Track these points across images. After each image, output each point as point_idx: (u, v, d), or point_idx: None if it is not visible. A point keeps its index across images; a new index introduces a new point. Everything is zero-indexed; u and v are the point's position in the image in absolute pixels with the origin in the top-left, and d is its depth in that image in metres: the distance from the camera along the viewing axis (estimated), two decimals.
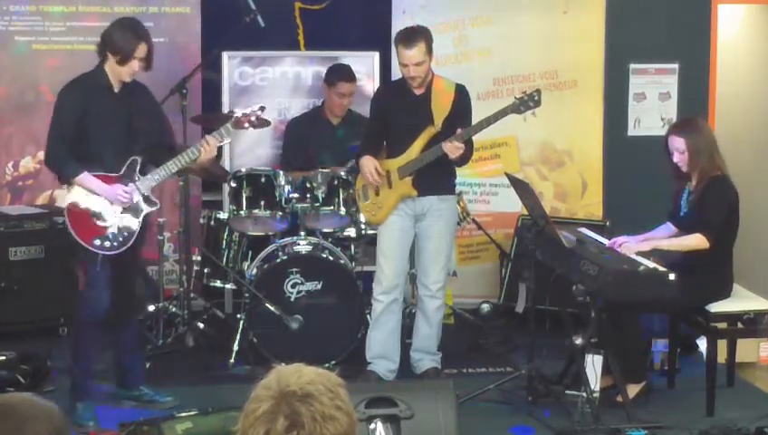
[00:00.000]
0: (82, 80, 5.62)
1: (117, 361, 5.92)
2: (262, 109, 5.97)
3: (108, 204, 5.56)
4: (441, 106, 6.12)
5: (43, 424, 2.16)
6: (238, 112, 5.93)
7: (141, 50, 5.50)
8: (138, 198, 5.64)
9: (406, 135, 6.16)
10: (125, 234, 5.60)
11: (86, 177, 5.52)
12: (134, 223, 5.64)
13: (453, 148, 5.94)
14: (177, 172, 5.88)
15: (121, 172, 5.61)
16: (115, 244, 5.58)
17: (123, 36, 5.50)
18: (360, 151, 6.34)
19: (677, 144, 5.86)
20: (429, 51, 6.08)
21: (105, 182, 5.57)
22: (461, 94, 6.19)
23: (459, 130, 5.99)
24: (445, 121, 6.09)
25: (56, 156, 5.54)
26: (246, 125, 5.93)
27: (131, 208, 5.62)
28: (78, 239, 5.52)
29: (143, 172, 5.66)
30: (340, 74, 7.32)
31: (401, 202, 6.19)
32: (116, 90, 5.59)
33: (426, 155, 6.08)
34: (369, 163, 6.18)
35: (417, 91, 6.15)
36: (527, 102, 6.06)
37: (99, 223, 5.56)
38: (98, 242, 5.54)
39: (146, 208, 5.69)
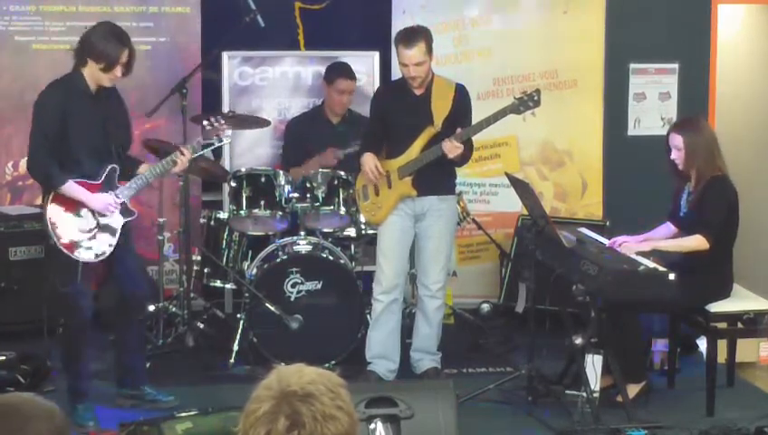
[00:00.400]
0: (61, 82, 5.58)
1: (119, 361, 5.91)
2: (226, 119, 6.06)
3: (89, 212, 5.55)
4: (441, 106, 6.12)
5: (44, 424, 2.16)
6: (206, 124, 5.97)
7: (125, 55, 5.51)
8: (120, 207, 5.65)
9: (406, 135, 6.17)
10: (106, 242, 5.60)
11: (71, 185, 5.49)
12: (114, 232, 5.62)
13: (452, 147, 5.95)
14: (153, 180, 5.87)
15: (101, 180, 5.59)
16: (98, 252, 5.57)
17: (107, 44, 5.48)
18: (361, 150, 6.33)
19: (676, 141, 5.88)
20: (429, 51, 6.08)
21: (88, 190, 5.55)
22: (461, 94, 6.19)
23: (459, 130, 6.00)
24: (445, 121, 6.09)
25: (41, 162, 5.48)
26: (215, 138, 6.03)
27: (111, 218, 5.61)
28: (62, 248, 5.50)
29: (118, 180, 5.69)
30: (340, 71, 7.33)
31: (401, 202, 6.19)
32: (93, 93, 5.57)
33: (425, 155, 6.08)
34: (369, 160, 6.18)
35: (417, 92, 6.15)
36: (526, 102, 6.05)
37: (80, 231, 5.55)
38: (79, 249, 5.53)
39: (125, 217, 5.68)
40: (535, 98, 6.05)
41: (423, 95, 6.15)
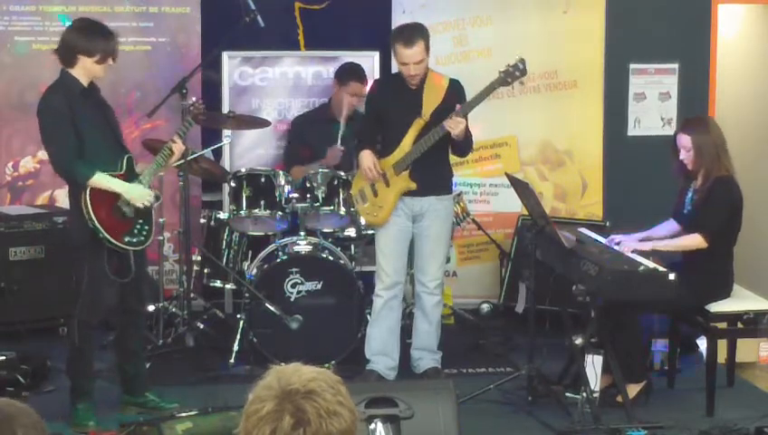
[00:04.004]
0: (58, 86, 5.57)
1: (121, 367, 5.86)
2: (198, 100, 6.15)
3: (125, 201, 5.56)
4: (432, 98, 6.09)
5: (27, 419, 2.19)
6: (186, 102, 6.10)
7: (115, 43, 5.56)
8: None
9: (398, 130, 6.14)
10: (146, 228, 5.63)
11: (103, 176, 5.50)
12: (150, 217, 5.67)
13: (453, 123, 5.92)
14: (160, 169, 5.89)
15: (124, 171, 5.61)
16: (141, 238, 5.61)
17: (98, 37, 5.51)
18: (358, 146, 6.32)
19: (684, 141, 5.89)
20: (427, 48, 6.06)
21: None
22: (454, 88, 6.16)
23: (458, 106, 5.97)
24: (434, 113, 6.05)
25: (66, 159, 5.47)
26: (201, 118, 6.11)
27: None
28: (110, 238, 5.48)
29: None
30: (354, 74, 7.32)
31: (400, 202, 6.18)
32: (87, 91, 5.58)
33: (422, 143, 6.05)
34: (368, 158, 6.17)
35: (413, 87, 6.13)
36: (513, 73, 6.01)
37: (122, 221, 5.56)
38: (127, 239, 5.55)
39: (155, 202, 5.73)
40: (521, 67, 5.99)
41: (416, 90, 6.13)
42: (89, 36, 5.52)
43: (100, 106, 5.65)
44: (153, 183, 5.96)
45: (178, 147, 5.76)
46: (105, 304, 5.59)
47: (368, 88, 7.29)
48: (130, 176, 5.62)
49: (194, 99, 6.09)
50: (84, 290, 5.55)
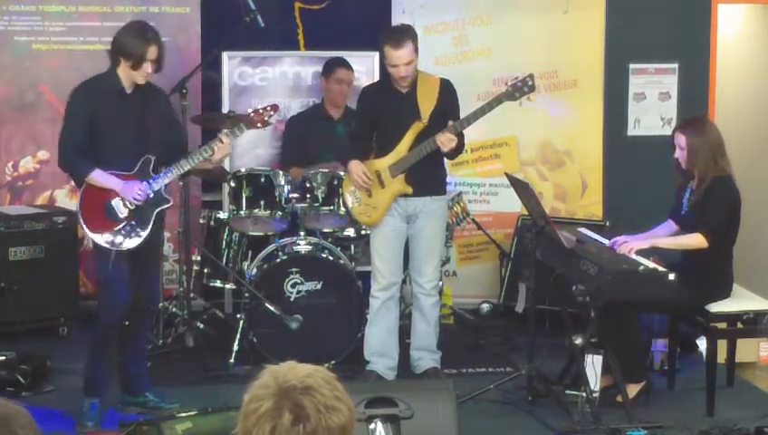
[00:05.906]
0: (93, 81, 5.63)
1: (124, 367, 5.85)
2: (274, 108, 6.08)
3: (120, 201, 5.57)
4: (427, 101, 6.10)
5: (24, 419, 2.20)
6: (251, 111, 6.07)
7: (152, 52, 5.52)
8: (151, 194, 5.65)
9: (393, 133, 6.15)
10: (138, 230, 5.61)
11: (98, 173, 5.52)
12: (147, 220, 5.65)
13: (446, 139, 5.93)
14: (189, 171, 5.88)
15: (135, 170, 5.62)
16: (128, 240, 5.59)
17: (132, 42, 5.52)
18: (348, 155, 6.31)
19: (680, 140, 5.91)
20: (416, 49, 6.08)
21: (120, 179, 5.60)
22: (446, 88, 6.17)
23: (451, 123, 5.98)
24: (432, 116, 6.07)
25: (67, 156, 5.53)
26: (259, 124, 6.04)
27: (145, 205, 5.63)
28: (91, 235, 5.51)
29: (155, 171, 5.67)
30: (338, 63, 7.40)
31: (394, 203, 6.17)
32: (128, 92, 5.59)
33: (417, 151, 6.06)
34: (357, 168, 6.15)
35: (403, 90, 6.14)
36: (521, 88, 6.02)
37: (110, 220, 5.57)
38: (110, 238, 5.55)
39: (160, 205, 5.71)
40: (530, 83, 6.00)
41: (409, 92, 6.13)
42: (127, 40, 5.55)
43: (140, 110, 5.61)
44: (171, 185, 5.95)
45: (222, 148, 5.75)
46: (121, 303, 5.57)
47: (354, 75, 7.34)
48: (141, 176, 5.62)
49: (267, 106, 6.06)
50: (101, 289, 5.58)
